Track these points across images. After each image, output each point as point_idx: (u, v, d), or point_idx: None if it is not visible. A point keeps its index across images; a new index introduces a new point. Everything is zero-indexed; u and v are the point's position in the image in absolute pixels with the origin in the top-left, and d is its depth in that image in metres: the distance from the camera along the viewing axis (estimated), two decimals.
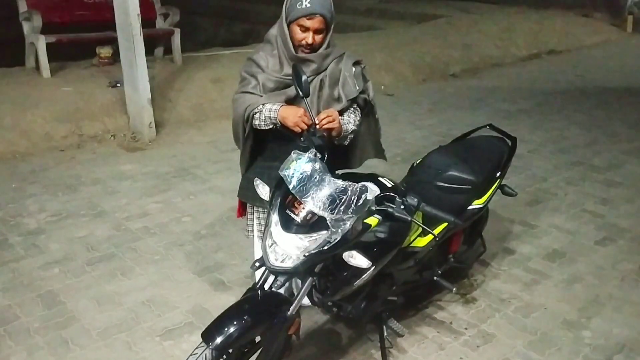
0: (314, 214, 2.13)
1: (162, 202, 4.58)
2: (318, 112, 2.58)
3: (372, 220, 2.25)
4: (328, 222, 2.07)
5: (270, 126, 2.58)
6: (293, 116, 2.45)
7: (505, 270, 3.71)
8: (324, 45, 2.59)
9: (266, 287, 2.38)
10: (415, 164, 3.15)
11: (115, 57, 7.03)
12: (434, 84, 8.31)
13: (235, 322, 2.20)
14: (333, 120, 2.45)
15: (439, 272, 3.08)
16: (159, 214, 4.39)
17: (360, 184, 2.14)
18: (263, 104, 2.56)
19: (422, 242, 2.73)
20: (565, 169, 5.25)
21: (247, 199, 2.91)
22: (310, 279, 2.31)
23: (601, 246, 3.98)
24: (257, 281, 2.41)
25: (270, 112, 2.54)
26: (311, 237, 2.14)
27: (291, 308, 2.32)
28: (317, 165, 2.17)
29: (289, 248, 2.16)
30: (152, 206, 4.52)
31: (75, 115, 5.90)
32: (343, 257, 2.19)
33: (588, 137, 6.05)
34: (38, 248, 3.93)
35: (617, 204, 4.58)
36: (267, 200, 2.33)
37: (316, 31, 2.52)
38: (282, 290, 2.43)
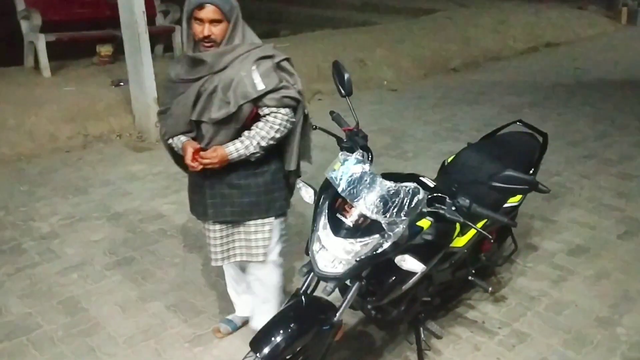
0: (365, 217, 2.06)
1: (175, 202, 4.49)
2: (210, 120, 2.42)
3: (425, 223, 2.19)
4: (383, 225, 2.01)
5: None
6: (186, 159, 2.45)
7: (531, 267, 3.67)
8: (225, 41, 2.40)
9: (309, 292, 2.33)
10: (446, 163, 3.09)
11: (116, 56, 6.93)
12: (436, 78, 8.27)
13: (281, 331, 2.16)
14: (210, 162, 2.42)
15: (473, 271, 3.03)
16: (174, 215, 4.30)
17: (412, 185, 2.08)
18: (172, 137, 2.56)
19: (461, 242, 2.68)
20: (578, 163, 5.23)
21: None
22: (357, 283, 2.25)
23: (624, 240, 3.96)
24: (300, 287, 2.35)
25: (178, 143, 2.55)
26: (363, 241, 2.08)
27: (337, 314, 2.27)
28: (367, 166, 2.11)
29: (339, 252, 2.10)
30: (166, 207, 4.43)
31: (79, 116, 5.78)
32: (395, 261, 2.13)
33: (597, 130, 6.04)
34: (53, 253, 3.84)
35: (634, 197, 4.56)
36: (312, 203, 2.27)
37: (211, 22, 2.36)
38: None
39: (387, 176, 2.37)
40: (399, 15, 11.24)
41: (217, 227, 2.67)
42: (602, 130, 6.04)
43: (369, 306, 2.55)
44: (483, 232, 2.29)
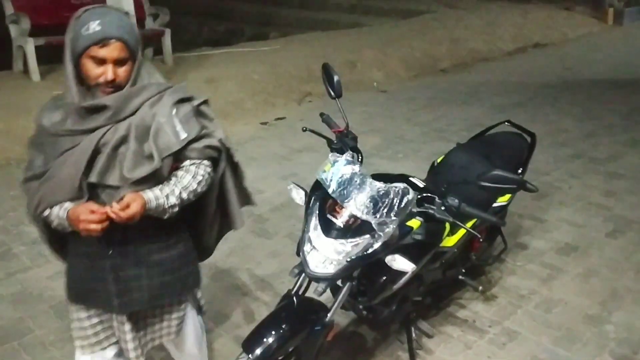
0: (356, 217, 2.08)
1: None
2: (121, 178, 1.89)
3: (415, 223, 2.21)
4: (374, 225, 2.03)
5: (66, 229, 1.94)
6: (83, 216, 1.83)
7: (520, 265, 3.70)
8: (130, 82, 1.92)
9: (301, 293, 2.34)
10: (436, 163, 3.12)
11: None
12: (426, 79, 8.30)
13: (273, 332, 2.18)
14: (127, 212, 1.83)
15: (463, 270, 3.06)
16: None
17: (402, 185, 2.10)
18: (51, 207, 1.93)
19: (451, 241, 2.71)
20: (566, 162, 5.28)
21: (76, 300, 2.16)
22: (349, 283, 2.27)
23: (612, 238, 4.00)
24: (292, 288, 2.36)
25: (60, 212, 1.91)
26: (354, 241, 2.10)
27: (329, 315, 2.28)
28: (357, 167, 2.13)
29: (330, 253, 2.12)
30: None
31: None
32: (386, 261, 2.15)
33: (584, 130, 6.09)
34: (44, 257, 3.82)
35: (621, 196, 4.60)
36: (302, 204, 2.28)
37: (117, 62, 1.87)
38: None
39: (377, 177, 2.39)
40: (387, 17, 11.30)
41: (126, 317, 2.10)
42: (590, 129, 6.09)
43: (361, 306, 2.58)
44: (472, 231, 2.32)
